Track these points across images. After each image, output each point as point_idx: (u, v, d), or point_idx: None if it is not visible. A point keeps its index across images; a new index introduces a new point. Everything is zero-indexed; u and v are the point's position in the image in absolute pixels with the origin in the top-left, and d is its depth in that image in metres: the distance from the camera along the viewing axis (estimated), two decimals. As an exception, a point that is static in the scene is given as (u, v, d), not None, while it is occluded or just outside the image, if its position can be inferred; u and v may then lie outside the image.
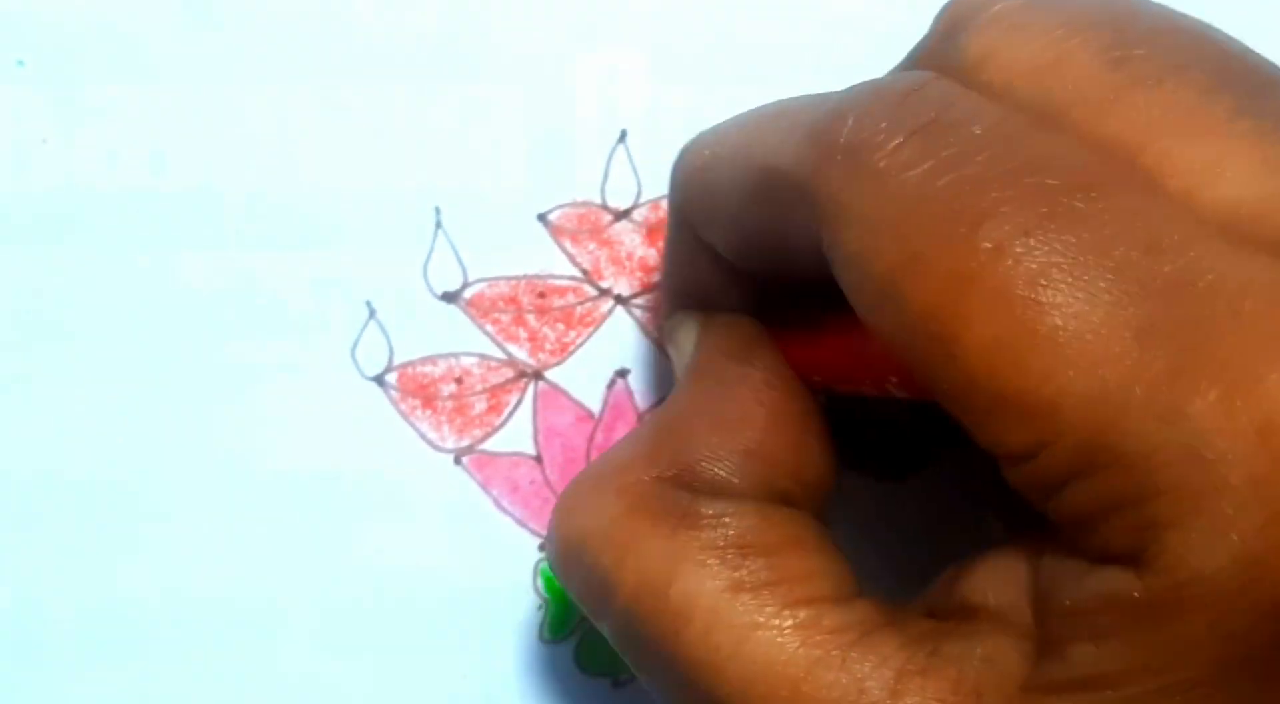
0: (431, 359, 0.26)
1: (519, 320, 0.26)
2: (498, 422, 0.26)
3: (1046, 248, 0.14)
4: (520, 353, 0.26)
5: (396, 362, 0.25)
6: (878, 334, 0.16)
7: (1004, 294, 0.14)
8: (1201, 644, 0.14)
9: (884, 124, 0.16)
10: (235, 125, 0.25)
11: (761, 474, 0.19)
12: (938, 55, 0.18)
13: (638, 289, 0.26)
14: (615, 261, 0.26)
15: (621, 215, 0.26)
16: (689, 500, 0.18)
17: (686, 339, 0.22)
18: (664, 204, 0.26)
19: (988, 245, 0.15)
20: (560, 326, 0.26)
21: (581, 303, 0.26)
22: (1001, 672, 0.16)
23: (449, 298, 0.26)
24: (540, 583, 0.26)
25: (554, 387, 0.26)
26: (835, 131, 0.16)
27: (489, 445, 0.26)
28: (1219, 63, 0.16)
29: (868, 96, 0.17)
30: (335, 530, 0.25)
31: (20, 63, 0.25)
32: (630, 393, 0.26)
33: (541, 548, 0.26)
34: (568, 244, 0.26)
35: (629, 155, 0.25)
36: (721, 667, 0.17)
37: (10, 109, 0.25)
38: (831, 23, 0.25)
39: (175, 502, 0.25)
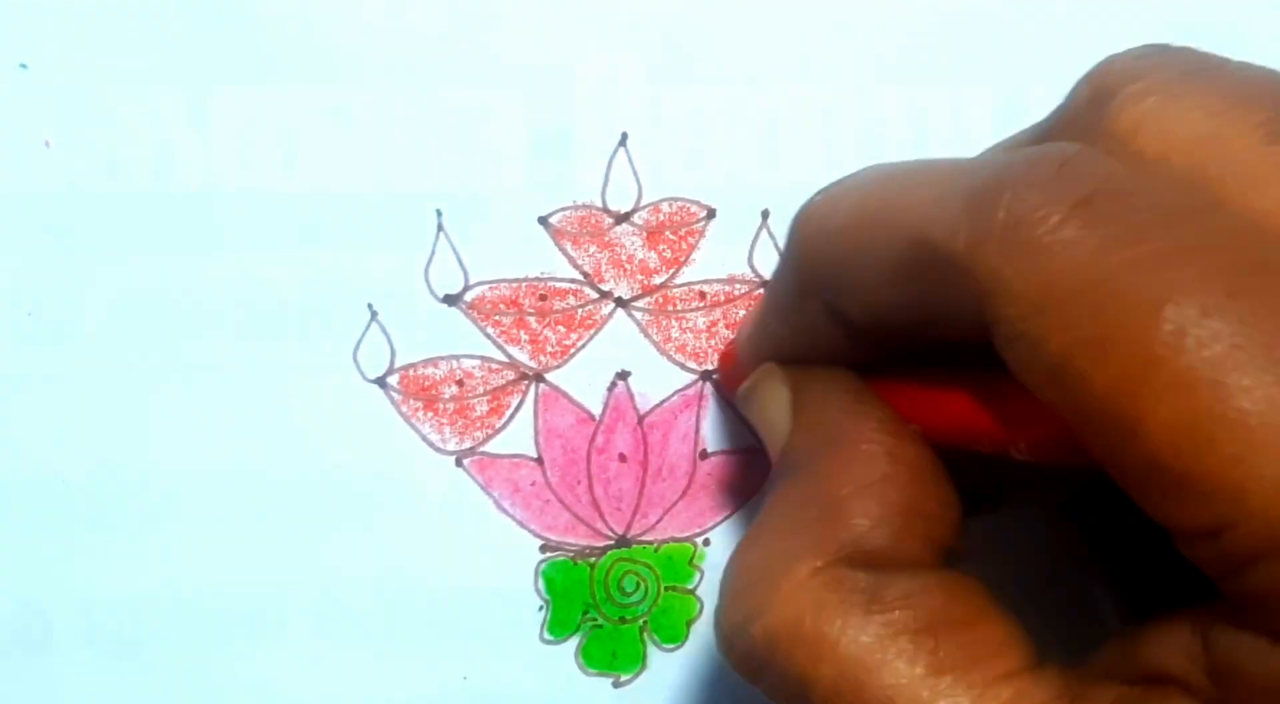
0: (433, 361, 0.26)
1: (520, 323, 0.26)
2: (499, 423, 0.26)
3: (1230, 330, 0.14)
4: (521, 355, 0.26)
5: (398, 364, 0.26)
6: (1049, 407, 0.16)
7: (1189, 377, 0.14)
8: None
9: (1044, 197, 0.16)
10: (237, 128, 0.25)
11: (921, 531, 0.19)
12: (1082, 122, 0.17)
13: (638, 292, 0.26)
14: (616, 264, 0.26)
15: (622, 218, 0.26)
16: (870, 583, 0.18)
17: (776, 400, 0.22)
18: (664, 206, 0.26)
19: (1170, 327, 0.14)
20: (561, 329, 0.26)
21: (582, 305, 0.26)
22: None
23: (450, 300, 0.26)
24: (541, 583, 0.26)
25: (555, 389, 0.26)
26: (992, 205, 0.16)
27: (490, 447, 0.26)
28: None
29: (1022, 167, 0.16)
30: (337, 531, 0.26)
31: (23, 65, 0.25)
32: (631, 395, 0.26)
33: (543, 549, 0.26)
34: (569, 247, 0.26)
35: (629, 158, 0.25)
36: None
37: (13, 111, 0.25)
38: (831, 25, 0.26)
39: (177, 502, 0.25)
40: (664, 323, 0.26)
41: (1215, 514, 0.15)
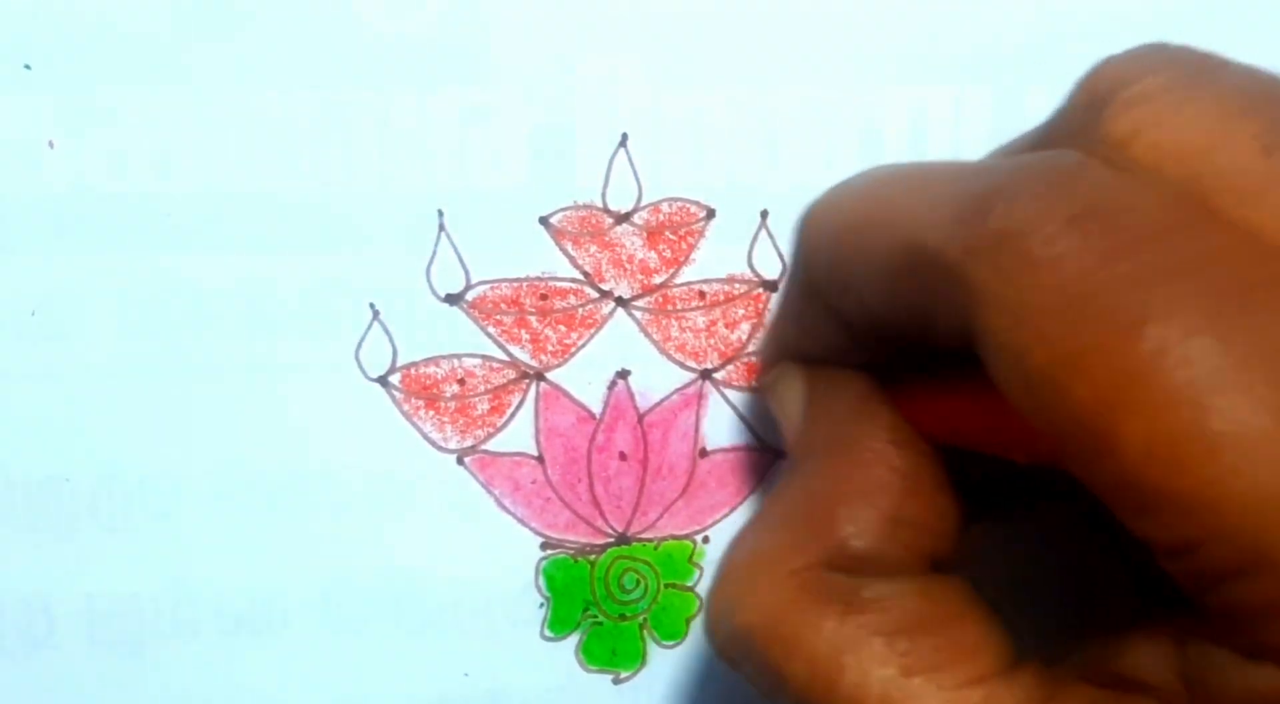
0: (434, 360, 0.26)
1: (521, 322, 0.26)
2: (500, 422, 0.26)
3: (1210, 351, 0.14)
4: (522, 354, 0.26)
5: (400, 363, 0.26)
6: (1028, 418, 0.16)
7: (1169, 395, 0.14)
8: None
9: (1037, 210, 0.16)
10: (240, 128, 0.25)
11: (909, 539, 0.19)
12: (1078, 128, 0.17)
13: (638, 291, 0.26)
14: (616, 264, 0.26)
15: (623, 218, 0.26)
16: (848, 584, 0.18)
17: (792, 396, 0.22)
18: (664, 206, 0.26)
19: (1152, 345, 0.15)
20: (562, 328, 0.26)
21: (583, 305, 0.26)
22: None
23: (452, 300, 0.26)
24: (542, 581, 0.26)
25: (556, 387, 0.26)
26: (985, 215, 0.16)
27: (491, 445, 0.26)
28: None
29: (1017, 177, 0.16)
30: (339, 529, 0.26)
31: (27, 66, 0.25)
32: (631, 394, 0.26)
33: (543, 547, 0.26)
34: (569, 247, 0.26)
35: (630, 159, 0.26)
36: None
37: (17, 112, 0.25)
38: (831, 25, 0.26)
39: (180, 501, 0.26)
40: (664, 322, 0.26)
41: (1189, 531, 0.15)
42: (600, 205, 0.26)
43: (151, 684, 0.26)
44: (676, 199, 0.26)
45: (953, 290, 0.16)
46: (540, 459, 0.26)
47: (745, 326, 0.26)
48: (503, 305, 0.26)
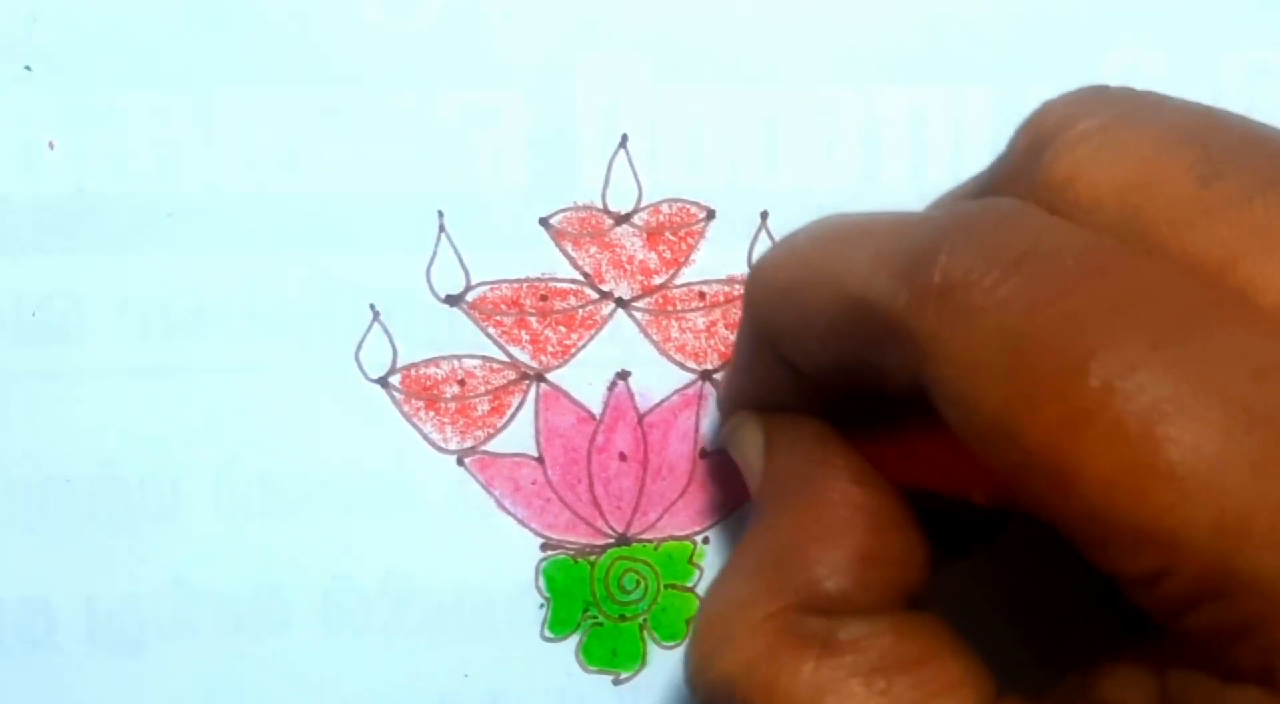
0: (435, 361, 0.26)
1: (521, 323, 0.26)
2: (500, 423, 0.26)
3: (1155, 382, 0.15)
4: (522, 355, 0.26)
5: (400, 364, 0.26)
6: (985, 462, 0.16)
7: (1118, 430, 0.15)
8: None
9: (978, 259, 0.16)
10: (240, 129, 0.25)
11: (879, 577, 0.19)
12: (1020, 172, 0.18)
13: (638, 292, 0.26)
14: (616, 265, 0.26)
15: (623, 219, 0.26)
16: (824, 625, 0.18)
17: (752, 443, 0.22)
18: (664, 207, 0.26)
19: (1097, 383, 0.15)
20: (562, 329, 0.26)
21: (583, 306, 0.26)
22: None
23: (452, 301, 0.26)
24: (542, 582, 0.26)
25: (556, 388, 0.26)
26: (928, 269, 0.16)
27: (491, 446, 0.26)
28: None
29: (957, 226, 0.17)
30: (339, 530, 0.26)
31: (28, 67, 0.25)
32: (631, 394, 0.26)
33: (543, 547, 0.26)
34: (569, 247, 0.26)
35: (630, 160, 0.26)
36: None
37: (17, 112, 0.25)
38: (831, 25, 0.26)
39: (180, 501, 0.26)
40: (664, 323, 0.26)
41: (1152, 562, 0.15)
42: (600, 206, 0.26)
43: (151, 684, 0.26)
44: (676, 200, 0.26)
45: (900, 343, 0.17)
46: (540, 460, 0.26)
47: (745, 327, 0.26)
48: (503, 306, 0.26)
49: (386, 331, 0.26)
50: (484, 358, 0.26)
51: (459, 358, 0.26)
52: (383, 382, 0.26)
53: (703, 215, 0.26)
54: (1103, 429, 0.15)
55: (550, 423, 0.26)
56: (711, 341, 0.26)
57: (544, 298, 0.26)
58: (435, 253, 0.26)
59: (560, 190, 0.26)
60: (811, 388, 0.20)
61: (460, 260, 0.26)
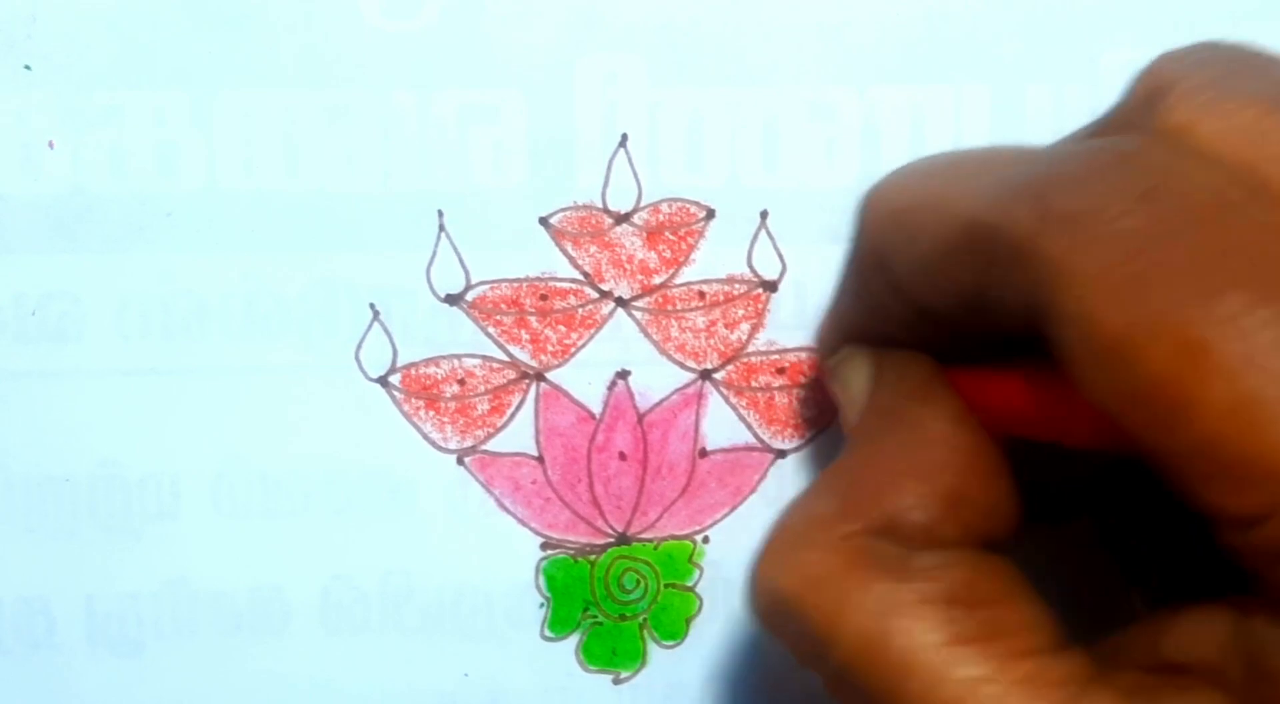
0: (434, 360, 0.26)
1: (521, 322, 0.26)
2: (500, 422, 0.26)
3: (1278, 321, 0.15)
4: (522, 354, 0.26)
5: (400, 363, 0.26)
6: (1092, 394, 0.16)
7: (1244, 361, 0.15)
8: None
9: (1107, 189, 0.16)
10: (240, 128, 0.25)
11: (964, 519, 0.19)
12: (1136, 120, 0.18)
13: (638, 292, 0.26)
14: (616, 264, 0.26)
15: (622, 219, 0.26)
16: (900, 553, 0.18)
17: (858, 377, 0.22)
18: (664, 207, 0.26)
19: (1225, 313, 0.15)
20: (562, 328, 0.26)
21: (583, 305, 0.26)
22: None
23: (452, 300, 0.26)
24: (541, 581, 0.26)
25: (556, 388, 0.26)
26: (1055, 195, 0.17)
27: (491, 446, 0.26)
28: None
29: (1084, 159, 0.17)
30: (339, 529, 0.26)
31: (27, 66, 0.25)
32: (631, 394, 0.26)
33: (543, 547, 0.26)
34: (569, 247, 0.26)
35: (629, 159, 0.26)
36: None
37: (17, 112, 0.25)
38: (831, 25, 0.26)
39: (179, 501, 0.26)
40: (664, 322, 0.26)
41: (1259, 499, 0.15)
42: (600, 205, 0.26)
43: (151, 684, 0.26)
44: (676, 199, 0.26)
45: (1020, 267, 0.17)
46: (540, 459, 0.26)
47: (745, 327, 0.26)
48: (503, 305, 0.26)
49: (386, 331, 0.26)
50: (484, 357, 0.26)
51: (459, 357, 0.26)
52: (383, 381, 0.26)
53: (702, 215, 0.26)
54: (1224, 360, 0.15)
55: (550, 422, 0.26)
56: (711, 341, 0.26)
57: (544, 297, 0.26)
58: (435, 252, 0.26)
59: (560, 190, 0.26)
60: (917, 320, 0.20)
61: (460, 260, 0.26)
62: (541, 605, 0.26)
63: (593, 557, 0.26)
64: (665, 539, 0.26)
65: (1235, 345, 0.15)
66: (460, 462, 0.26)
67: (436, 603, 0.26)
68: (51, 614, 0.26)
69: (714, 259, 0.26)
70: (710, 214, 0.26)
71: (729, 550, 0.26)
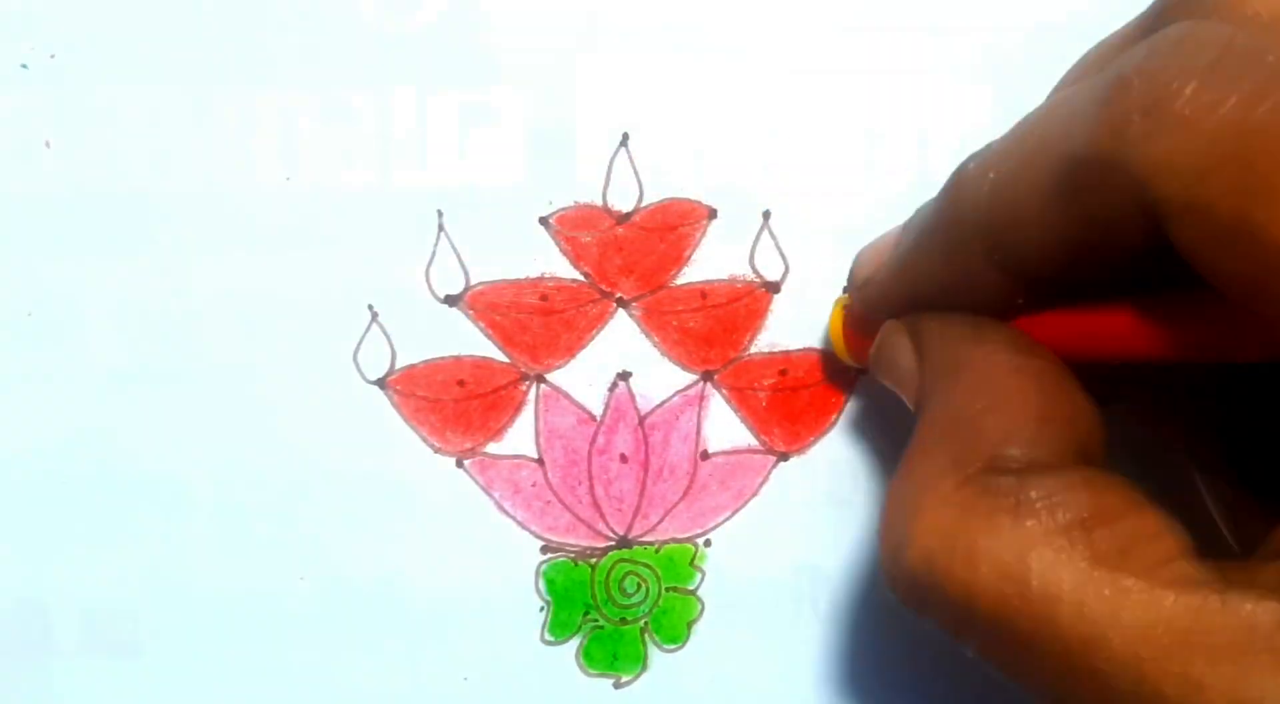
0: (434, 362, 0.26)
1: (521, 323, 0.26)
2: (500, 424, 0.26)
3: None
4: (522, 356, 0.26)
5: (399, 365, 0.26)
6: (1219, 280, 0.16)
7: None
8: None
9: (1173, 74, 0.16)
10: (238, 128, 0.25)
11: (1059, 437, 0.19)
12: (1182, 7, 0.18)
13: (639, 292, 0.26)
14: (617, 264, 0.26)
15: (623, 218, 0.26)
16: (1012, 486, 0.18)
17: (903, 347, 0.22)
18: (665, 206, 0.26)
19: None
20: (562, 329, 0.26)
21: (583, 305, 0.26)
22: None
23: (451, 301, 0.26)
24: (542, 584, 0.26)
25: (556, 389, 0.26)
26: (1124, 95, 0.16)
27: (491, 448, 0.26)
28: None
29: (1143, 54, 0.17)
30: (337, 532, 0.26)
31: (24, 65, 0.25)
32: (632, 395, 0.26)
33: (543, 550, 0.26)
34: (569, 247, 0.26)
35: (630, 159, 0.25)
36: (1104, 638, 0.17)
37: (14, 111, 0.25)
38: (832, 25, 0.26)
39: (177, 502, 0.25)
40: (665, 323, 0.26)
41: None
42: (601, 205, 0.26)
43: (149, 685, 0.25)
44: (677, 199, 0.26)
45: (1119, 180, 0.17)
46: (540, 461, 0.26)
47: (747, 328, 0.26)
48: (502, 306, 0.26)
49: (385, 332, 0.26)
50: (483, 358, 0.26)
51: (458, 358, 0.26)
52: (381, 383, 0.26)
53: (704, 214, 0.26)
54: None
55: (550, 424, 0.26)
56: (713, 342, 0.26)
57: (544, 298, 0.26)
58: (434, 253, 0.25)
59: (560, 189, 0.25)
60: (1011, 288, 0.20)
61: (460, 260, 0.25)
62: (542, 609, 0.26)
63: (593, 560, 0.26)
64: (666, 542, 0.26)
65: None
66: (460, 464, 0.26)
67: (436, 606, 0.26)
68: (48, 615, 0.25)
69: (715, 259, 0.26)
70: (711, 214, 0.26)
71: (731, 554, 0.26)
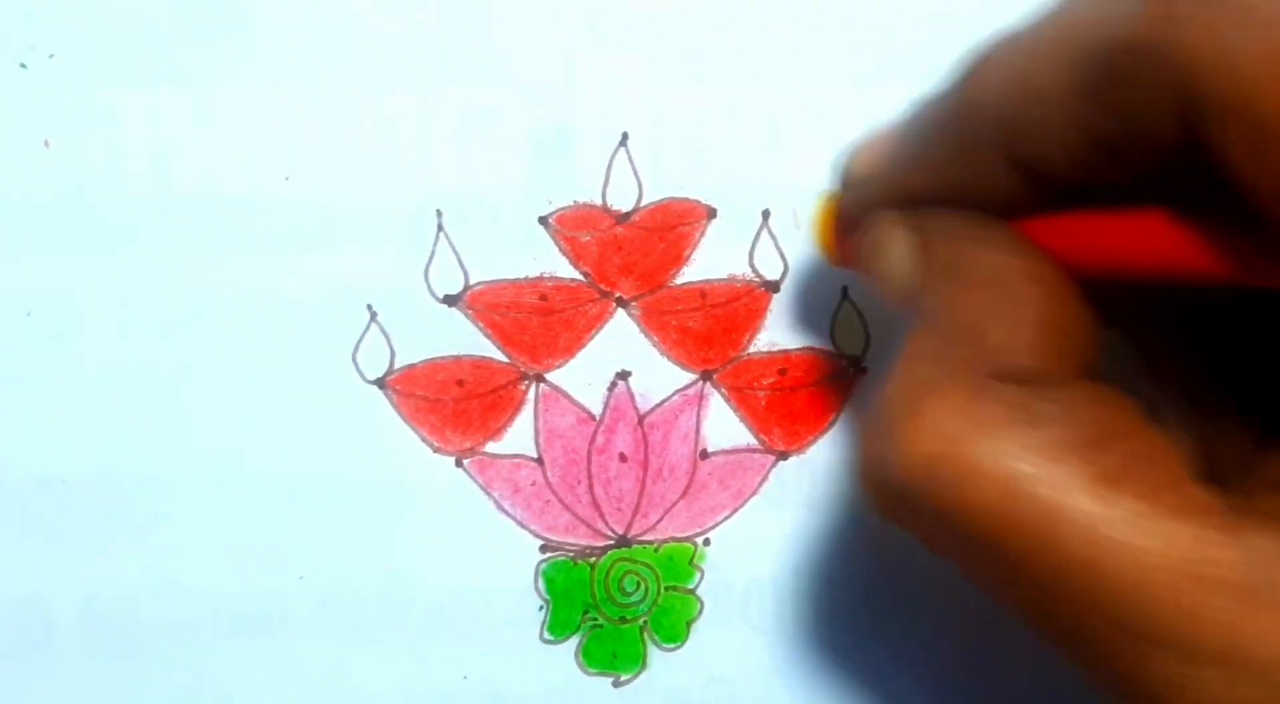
0: (433, 362, 0.26)
1: (520, 323, 0.26)
2: (499, 424, 0.26)
3: None
4: (521, 355, 0.26)
5: (398, 365, 0.26)
6: (1258, 186, 0.15)
7: None
8: None
9: None
10: (237, 128, 0.25)
11: (1062, 347, 0.18)
12: None
13: (639, 291, 0.26)
14: (616, 264, 0.26)
15: (623, 218, 0.26)
16: (1020, 397, 0.17)
17: (895, 244, 0.20)
18: (664, 206, 0.26)
19: None
20: (561, 329, 0.26)
21: (583, 305, 0.26)
22: None
23: (450, 300, 0.26)
24: (541, 583, 0.26)
25: (555, 389, 0.26)
26: None
27: (490, 447, 0.26)
28: None
29: None
30: (337, 532, 0.26)
31: (24, 65, 0.25)
32: (631, 395, 0.26)
33: (543, 549, 0.26)
34: (569, 247, 0.26)
35: (630, 158, 0.25)
36: (1106, 562, 0.16)
37: (13, 111, 0.25)
38: (831, 25, 0.26)
39: (177, 503, 0.25)
40: (664, 322, 0.26)
41: None
42: (600, 205, 0.26)
43: (149, 686, 0.25)
44: (677, 199, 0.26)
45: (1157, 71, 0.16)
46: (540, 461, 0.26)
47: (746, 327, 0.26)
48: (502, 306, 0.26)
49: (384, 332, 0.26)
50: (483, 358, 0.26)
51: (457, 358, 0.26)
52: (380, 382, 0.26)
53: (703, 214, 0.26)
54: None
55: (550, 424, 0.26)
56: (712, 341, 0.26)
57: (543, 297, 0.26)
58: (434, 252, 0.25)
59: (560, 188, 0.25)
60: (1025, 189, 0.19)
61: (459, 260, 0.25)
62: (541, 608, 0.26)
63: (593, 559, 0.26)
64: (666, 541, 0.26)
65: None
66: (459, 463, 0.26)
67: (436, 606, 0.26)
68: (49, 616, 0.25)
69: (714, 259, 0.26)
70: (711, 213, 0.26)
71: (730, 553, 0.26)
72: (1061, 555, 0.16)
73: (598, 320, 0.26)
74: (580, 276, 0.26)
